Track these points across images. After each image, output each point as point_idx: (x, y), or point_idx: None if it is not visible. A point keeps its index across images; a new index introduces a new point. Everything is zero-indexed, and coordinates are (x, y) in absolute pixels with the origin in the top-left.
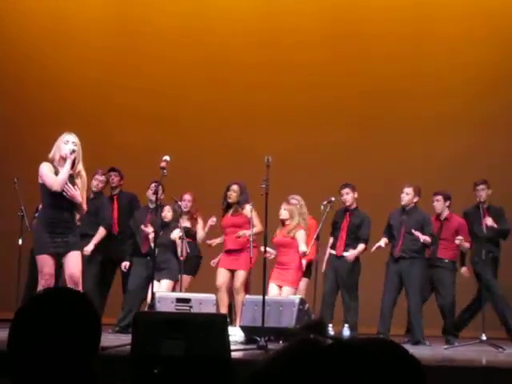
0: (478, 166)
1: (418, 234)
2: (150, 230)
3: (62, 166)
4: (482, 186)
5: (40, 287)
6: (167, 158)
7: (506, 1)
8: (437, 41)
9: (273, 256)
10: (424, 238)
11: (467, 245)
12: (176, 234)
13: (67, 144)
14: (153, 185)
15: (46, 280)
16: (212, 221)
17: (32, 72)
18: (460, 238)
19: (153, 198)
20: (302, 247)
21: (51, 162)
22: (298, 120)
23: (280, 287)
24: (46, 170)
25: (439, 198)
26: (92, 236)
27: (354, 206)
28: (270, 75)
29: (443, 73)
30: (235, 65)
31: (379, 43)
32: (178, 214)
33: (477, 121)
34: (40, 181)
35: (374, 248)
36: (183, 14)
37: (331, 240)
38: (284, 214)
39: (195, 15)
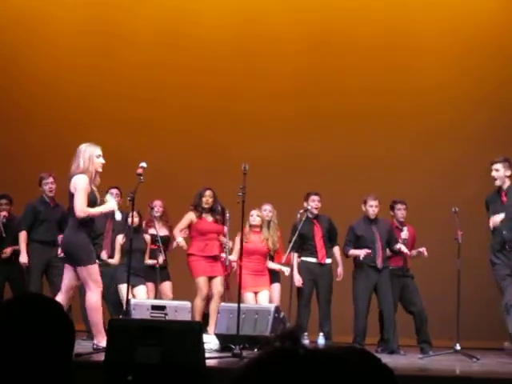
0: (465, 180)
1: (405, 250)
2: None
3: (95, 180)
4: (496, 166)
5: (95, 296)
6: (144, 164)
7: (491, 15)
8: (420, 55)
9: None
10: (406, 251)
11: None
12: (148, 239)
13: (99, 158)
14: (113, 190)
15: (101, 288)
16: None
17: (8, 71)
18: (421, 250)
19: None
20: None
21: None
22: (280, 127)
23: (255, 293)
24: (85, 187)
25: (404, 206)
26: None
27: (317, 214)
28: (251, 83)
29: (429, 88)
30: (216, 71)
31: (365, 56)
32: (151, 217)
33: (463, 136)
34: (74, 191)
35: (362, 256)
36: (165, 19)
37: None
38: (258, 220)
39: (177, 21)
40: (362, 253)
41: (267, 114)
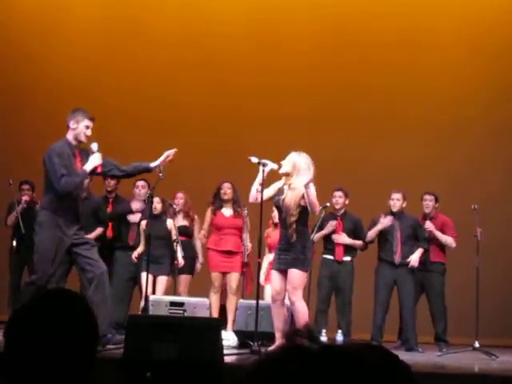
0: (483, 177)
1: (413, 262)
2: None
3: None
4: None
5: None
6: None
7: (507, 10)
8: (437, 51)
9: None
10: (417, 258)
11: (449, 240)
12: (170, 224)
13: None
14: (139, 182)
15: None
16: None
17: (24, 69)
18: (428, 225)
19: (139, 196)
20: None
21: None
22: (294, 124)
23: None
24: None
25: (432, 198)
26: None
27: (343, 211)
28: (266, 79)
29: (443, 84)
30: (230, 68)
31: (382, 53)
32: (171, 212)
33: (482, 132)
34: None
35: (383, 225)
36: (179, 17)
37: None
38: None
39: (191, 18)
40: (384, 222)
41: (282, 111)
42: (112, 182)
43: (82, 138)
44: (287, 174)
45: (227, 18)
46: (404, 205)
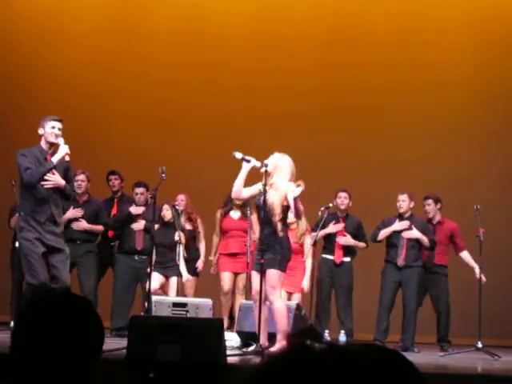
0: (486, 177)
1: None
2: (141, 223)
3: None
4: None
5: None
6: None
7: (508, 11)
8: (437, 51)
9: None
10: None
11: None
12: (177, 237)
13: None
14: (138, 190)
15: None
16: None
17: (28, 72)
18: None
19: (140, 203)
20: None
21: None
22: (294, 124)
23: (289, 293)
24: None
25: (430, 201)
26: (91, 241)
27: (346, 212)
28: (270, 80)
29: (449, 83)
30: (234, 69)
31: (383, 53)
32: (177, 216)
33: (484, 132)
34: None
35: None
36: (183, 18)
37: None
38: (291, 217)
39: (195, 19)
40: (399, 225)
41: (282, 111)
42: (116, 182)
43: (51, 139)
44: (268, 174)
45: (228, 19)
46: (411, 205)
